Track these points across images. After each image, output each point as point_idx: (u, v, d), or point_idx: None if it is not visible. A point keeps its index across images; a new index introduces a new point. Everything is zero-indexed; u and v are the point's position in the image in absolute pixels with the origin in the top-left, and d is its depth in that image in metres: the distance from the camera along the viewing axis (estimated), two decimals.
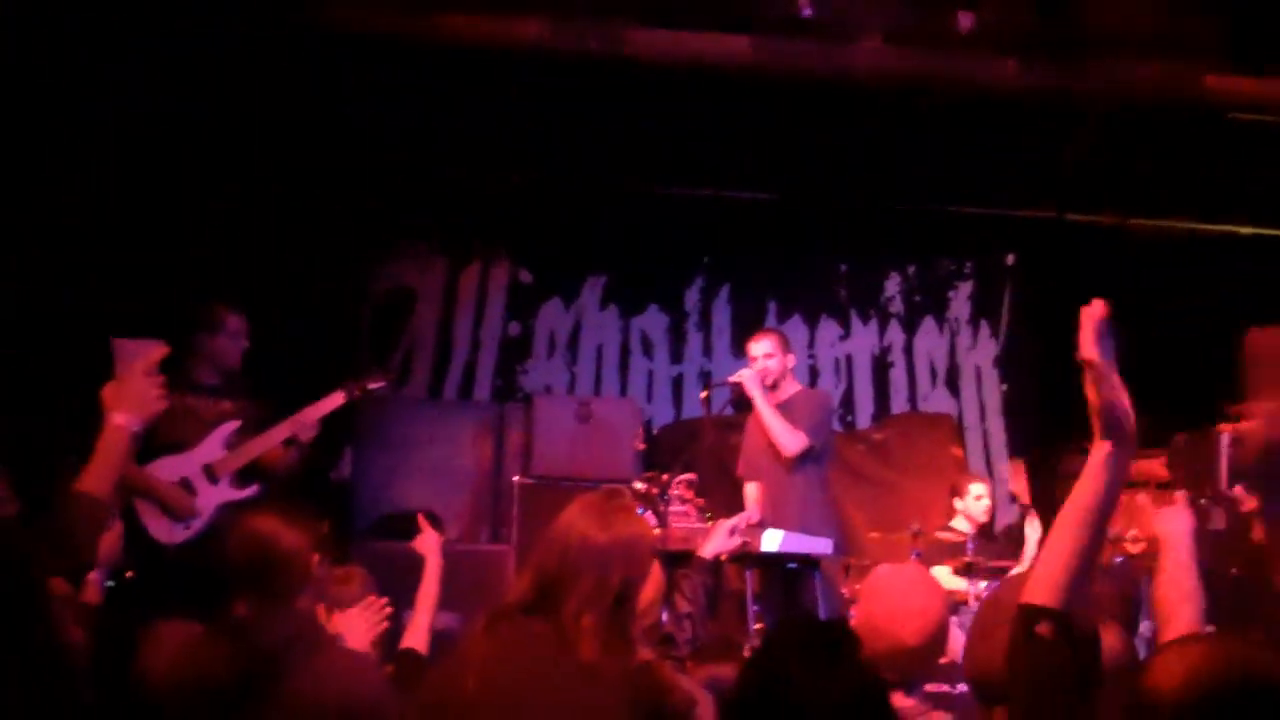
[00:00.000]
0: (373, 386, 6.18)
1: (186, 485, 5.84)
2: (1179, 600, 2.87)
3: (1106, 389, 2.12)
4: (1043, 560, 2.21)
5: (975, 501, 7.56)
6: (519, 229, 8.90)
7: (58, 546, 2.93)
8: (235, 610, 3.22)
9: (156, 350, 3.21)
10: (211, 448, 5.91)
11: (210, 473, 5.88)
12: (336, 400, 6.06)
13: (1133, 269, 8.83)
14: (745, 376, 6.26)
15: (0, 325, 6.43)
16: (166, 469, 5.83)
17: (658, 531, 5.68)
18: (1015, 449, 9.45)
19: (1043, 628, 2.05)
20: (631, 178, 8.59)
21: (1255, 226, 8.90)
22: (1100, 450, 2.17)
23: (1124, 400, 2.18)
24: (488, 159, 8.25)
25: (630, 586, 2.91)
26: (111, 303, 6.75)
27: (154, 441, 5.79)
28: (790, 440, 6.15)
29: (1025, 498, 8.80)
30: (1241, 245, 8.92)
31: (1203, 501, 6.73)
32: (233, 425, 5.96)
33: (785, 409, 6.36)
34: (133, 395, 3.12)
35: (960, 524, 7.54)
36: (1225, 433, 6.79)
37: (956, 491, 7.68)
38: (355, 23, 6.60)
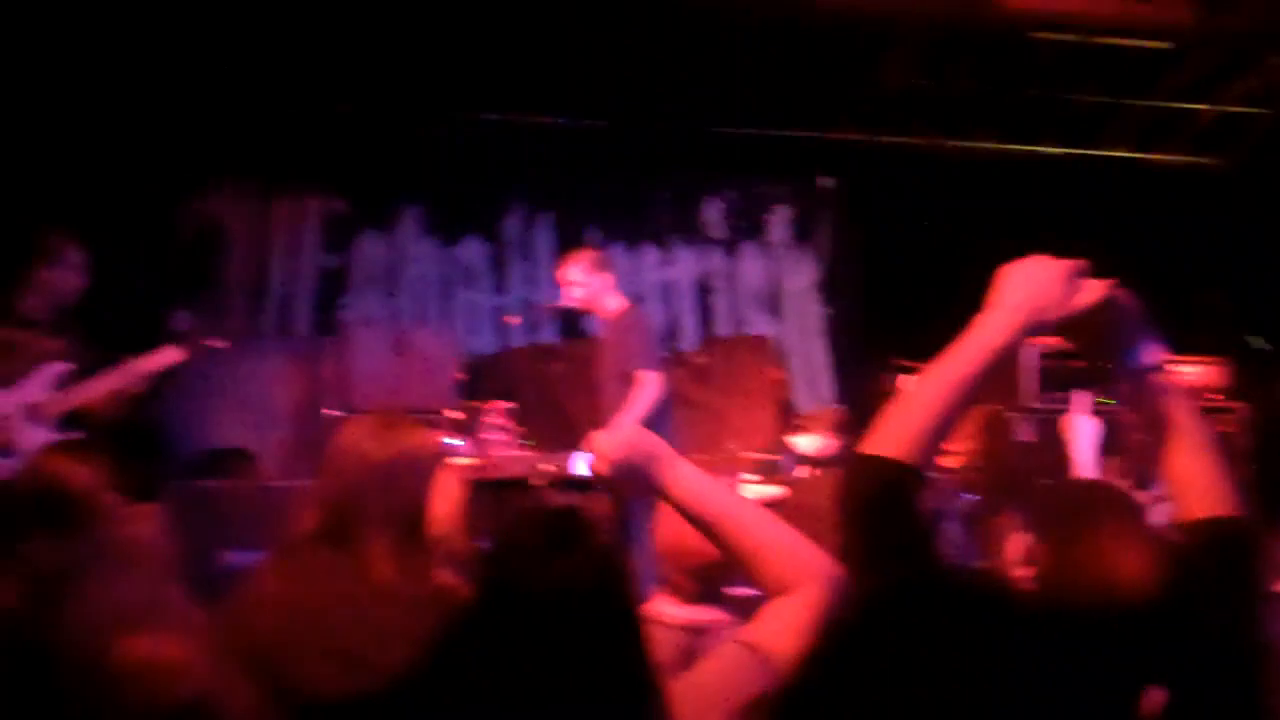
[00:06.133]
0: (213, 345, 5.99)
1: (3, 422, 5.60)
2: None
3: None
4: (896, 414, 2.08)
5: (811, 440, 7.57)
6: (332, 159, 8.68)
7: None
8: (25, 549, 3.11)
9: None
10: (36, 387, 5.67)
11: (32, 413, 5.64)
12: (170, 356, 5.83)
13: (947, 190, 9.00)
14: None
15: None
16: None
17: (474, 461, 5.64)
18: (837, 370, 9.59)
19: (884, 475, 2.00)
20: (447, 103, 8.43)
21: (1062, 146, 9.12)
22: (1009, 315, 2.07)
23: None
24: (296, 87, 8.02)
25: (416, 503, 2.84)
26: None
27: None
28: (650, 388, 5.99)
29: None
30: (1049, 165, 9.14)
31: (1008, 414, 6.93)
32: (63, 367, 5.71)
33: (609, 331, 6.30)
34: None
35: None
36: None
37: (801, 427, 7.67)
38: None
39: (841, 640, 1.80)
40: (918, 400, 2.05)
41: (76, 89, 7.39)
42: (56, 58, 7.08)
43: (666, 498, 2.15)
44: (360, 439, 2.86)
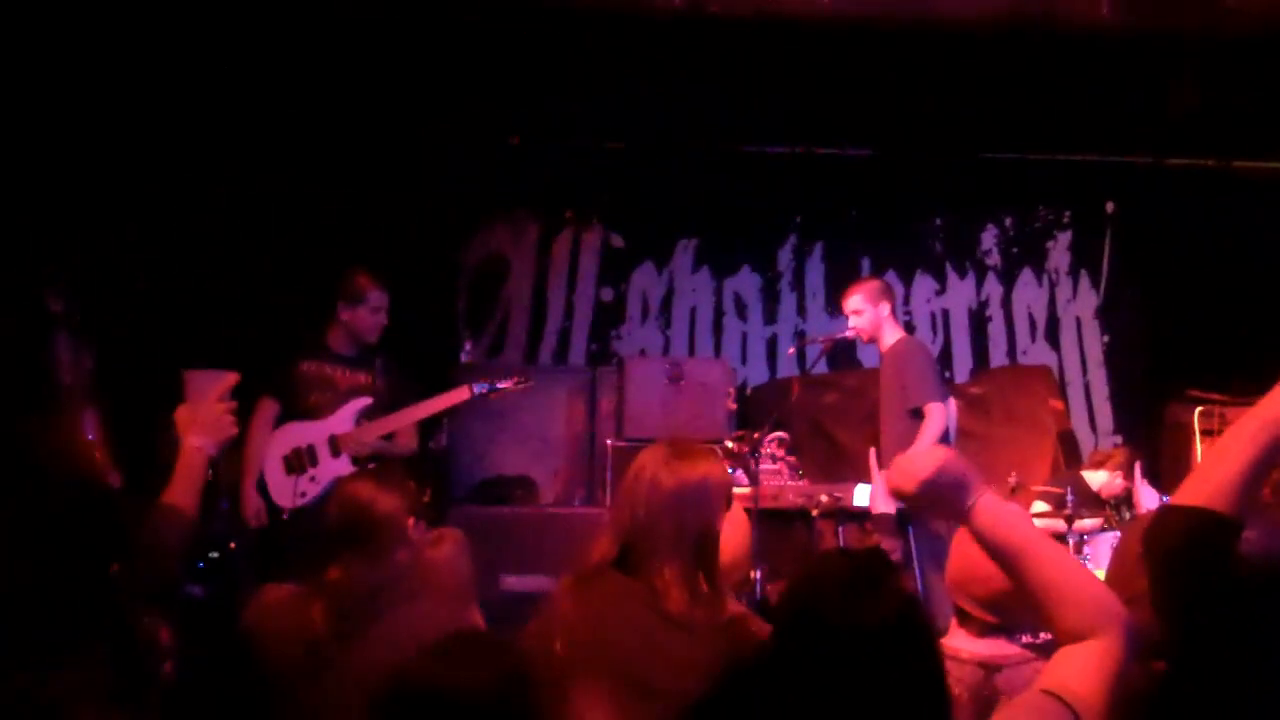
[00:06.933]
0: (502, 386, 6.19)
1: (310, 452, 5.96)
2: None
3: None
4: (1207, 463, 2.08)
5: (1101, 476, 7.38)
6: (610, 194, 8.90)
7: (149, 555, 2.98)
8: (332, 572, 3.27)
9: (228, 378, 3.25)
10: (342, 419, 6.00)
11: (334, 445, 5.96)
12: (462, 395, 6.08)
13: (1236, 213, 8.62)
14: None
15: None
16: (296, 434, 5.98)
17: (748, 489, 5.66)
18: (1118, 400, 9.28)
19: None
20: (720, 138, 8.54)
21: None
22: None
23: None
24: (577, 125, 8.25)
25: (708, 531, 2.88)
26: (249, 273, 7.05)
27: (289, 406, 5.96)
28: (937, 422, 5.93)
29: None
30: None
31: None
32: (365, 401, 6.04)
33: (887, 361, 6.26)
34: (206, 421, 3.18)
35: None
36: None
37: (1095, 463, 7.50)
38: None
39: (1169, 689, 1.77)
40: (1229, 448, 2.00)
41: (369, 133, 7.78)
42: (354, 105, 7.48)
43: (969, 524, 2.11)
44: (653, 467, 2.92)
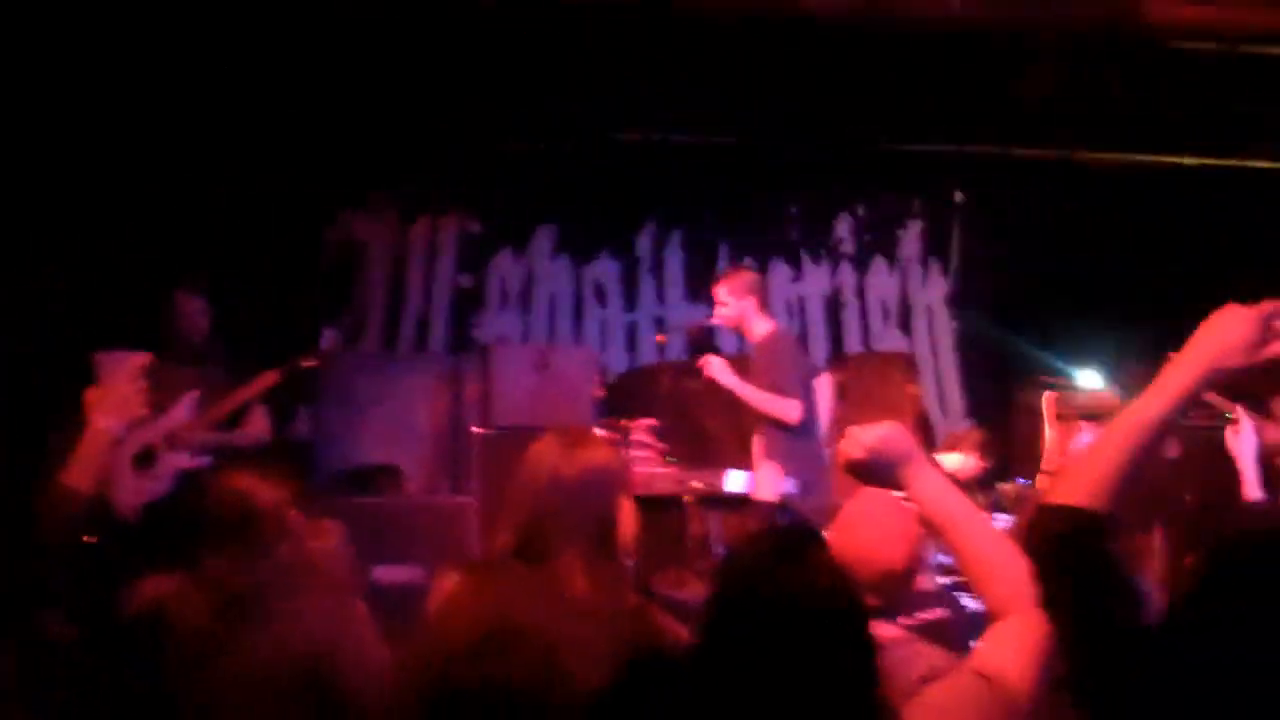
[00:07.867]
0: (306, 365, 6.20)
1: (152, 450, 5.92)
2: None
3: None
4: (1082, 461, 2.14)
5: (956, 458, 7.55)
6: (468, 180, 8.83)
7: (39, 533, 2.95)
8: (212, 567, 3.21)
9: (139, 359, 3.23)
10: (177, 415, 5.97)
11: (172, 440, 5.91)
12: (270, 379, 6.14)
13: (1079, 204, 8.89)
14: (713, 366, 6.17)
15: None
16: (140, 432, 5.90)
17: None
18: (967, 385, 9.53)
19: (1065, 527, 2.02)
20: (578, 125, 8.52)
21: (1201, 158, 8.96)
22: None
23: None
24: (435, 110, 8.16)
25: (608, 518, 2.89)
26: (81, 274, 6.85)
27: None
28: (787, 409, 6.02)
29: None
30: (1187, 177, 8.98)
31: None
32: (194, 395, 6.02)
33: (757, 355, 6.31)
34: (115, 401, 3.18)
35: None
36: None
37: (951, 445, 7.66)
38: None
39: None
40: (1103, 446, 2.06)
41: (225, 115, 7.60)
42: (211, 87, 7.30)
43: (908, 496, 2.20)
44: (552, 457, 2.90)
